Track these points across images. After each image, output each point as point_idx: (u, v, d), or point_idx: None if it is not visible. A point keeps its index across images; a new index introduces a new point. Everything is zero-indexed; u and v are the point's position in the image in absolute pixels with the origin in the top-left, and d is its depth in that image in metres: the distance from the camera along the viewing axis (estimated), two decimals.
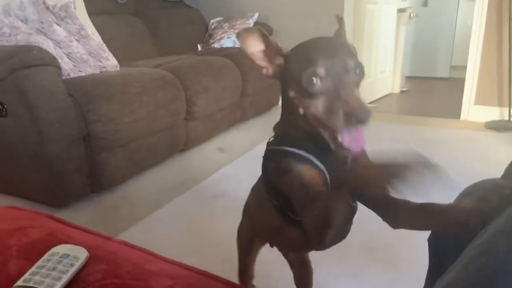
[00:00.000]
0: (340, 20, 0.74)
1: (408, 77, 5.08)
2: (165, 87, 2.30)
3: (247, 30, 0.69)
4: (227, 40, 3.52)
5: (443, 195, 0.79)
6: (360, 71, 0.62)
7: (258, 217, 0.92)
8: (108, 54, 2.31)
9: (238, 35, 0.69)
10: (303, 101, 0.63)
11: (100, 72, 2.22)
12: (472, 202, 0.57)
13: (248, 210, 0.99)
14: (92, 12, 2.58)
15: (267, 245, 1.01)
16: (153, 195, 2.05)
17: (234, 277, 1.01)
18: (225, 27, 3.62)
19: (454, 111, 3.39)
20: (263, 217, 0.87)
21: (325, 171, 0.68)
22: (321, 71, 0.60)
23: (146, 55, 3.11)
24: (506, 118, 3.07)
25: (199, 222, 1.77)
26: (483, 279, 0.38)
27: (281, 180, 0.70)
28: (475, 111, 3.26)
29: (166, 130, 2.34)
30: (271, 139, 0.77)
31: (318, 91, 0.61)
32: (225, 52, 3.08)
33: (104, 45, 2.33)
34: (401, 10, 4.36)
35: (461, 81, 3.34)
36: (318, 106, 0.61)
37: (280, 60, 0.69)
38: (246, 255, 1.04)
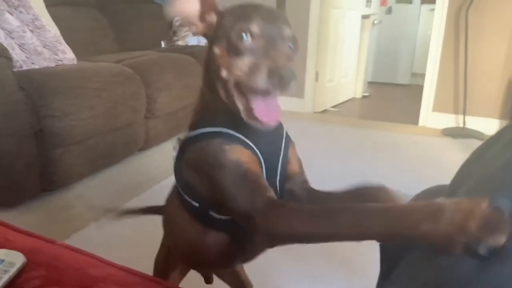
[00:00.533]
0: None
1: (370, 83, 5.20)
2: (126, 83, 2.23)
3: None
4: (192, 38, 3.46)
5: None
6: (294, 46, 0.60)
7: (172, 234, 0.82)
8: (65, 47, 2.21)
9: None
10: (228, 60, 0.58)
11: (56, 65, 2.12)
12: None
13: (164, 238, 0.91)
14: (51, 3, 2.46)
15: None
16: (110, 195, 1.98)
17: (188, 281, 0.99)
18: None
19: (413, 117, 3.49)
20: (177, 231, 0.78)
21: (257, 152, 0.62)
22: (254, 28, 0.57)
23: (107, 50, 3.00)
24: (461, 125, 3.20)
25: (156, 224, 1.71)
26: None
27: (209, 172, 0.61)
28: (432, 117, 3.37)
29: (125, 128, 2.27)
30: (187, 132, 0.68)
31: (247, 48, 0.57)
32: (189, 50, 3.02)
33: (61, 38, 2.22)
34: (365, 17, 4.45)
35: (421, 88, 3.44)
36: (242, 65, 0.56)
37: (213, 17, 0.63)
38: None
